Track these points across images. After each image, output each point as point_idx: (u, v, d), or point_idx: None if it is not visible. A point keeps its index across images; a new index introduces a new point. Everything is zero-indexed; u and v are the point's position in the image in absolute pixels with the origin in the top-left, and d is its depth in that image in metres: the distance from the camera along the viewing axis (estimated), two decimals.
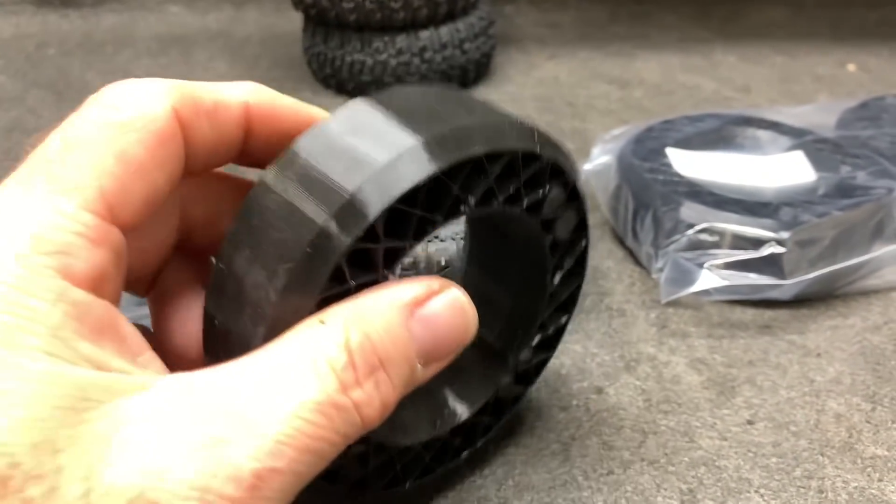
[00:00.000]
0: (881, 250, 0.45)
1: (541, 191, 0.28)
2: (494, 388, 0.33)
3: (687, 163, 0.50)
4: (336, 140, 0.23)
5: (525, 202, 0.27)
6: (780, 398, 0.39)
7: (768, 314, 0.45)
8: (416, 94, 0.26)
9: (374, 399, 0.22)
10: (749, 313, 0.45)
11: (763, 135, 0.53)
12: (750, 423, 0.38)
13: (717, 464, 0.35)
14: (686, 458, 0.36)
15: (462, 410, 0.32)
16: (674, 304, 0.46)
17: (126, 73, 0.24)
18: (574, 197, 0.30)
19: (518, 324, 0.33)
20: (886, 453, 0.36)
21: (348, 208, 0.22)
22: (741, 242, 0.43)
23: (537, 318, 0.32)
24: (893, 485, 0.34)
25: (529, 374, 0.34)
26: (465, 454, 0.33)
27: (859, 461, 0.36)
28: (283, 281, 0.22)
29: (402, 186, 0.22)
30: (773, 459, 0.36)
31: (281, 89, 0.27)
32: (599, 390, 0.40)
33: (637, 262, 0.49)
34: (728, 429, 0.37)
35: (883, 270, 0.47)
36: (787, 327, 0.44)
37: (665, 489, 0.34)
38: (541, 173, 0.27)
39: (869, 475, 0.35)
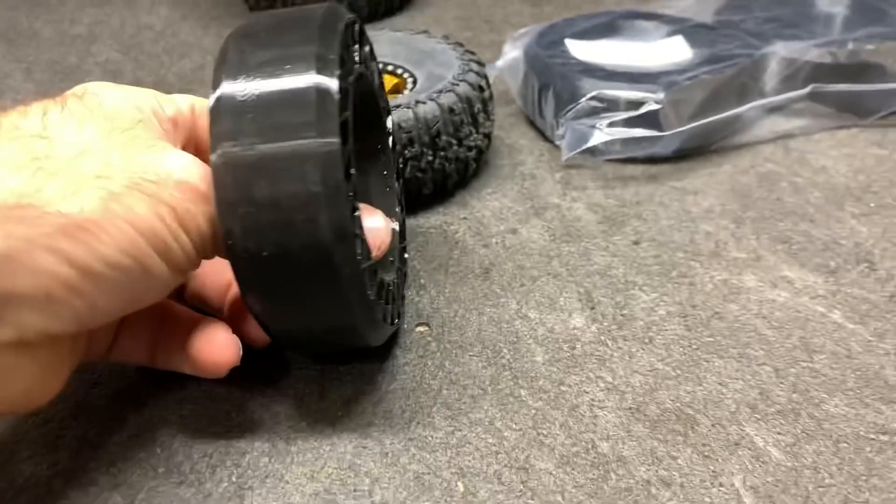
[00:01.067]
0: (746, 106, 0.53)
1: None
2: None
3: (582, 50, 0.57)
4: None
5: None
6: (661, 225, 0.47)
7: (654, 168, 0.53)
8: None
9: None
10: (639, 169, 0.53)
11: (648, 25, 0.61)
12: (636, 243, 0.46)
13: (608, 273, 0.43)
14: (583, 271, 0.44)
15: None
16: (576, 166, 0.53)
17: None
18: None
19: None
20: (745, 256, 0.44)
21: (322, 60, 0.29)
22: (626, 106, 0.51)
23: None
24: (749, 276, 0.43)
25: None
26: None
27: (724, 263, 0.44)
28: None
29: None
30: (655, 267, 0.44)
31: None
32: (514, 231, 0.47)
33: (546, 139, 0.57)
34: (618, 249, 0.45)
35: (752, 127, 0.55)
36: (671, 176, 0.52)
37: (567, 292, 0.42)
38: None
39: (730, 271, 0.43)
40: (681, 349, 0.38)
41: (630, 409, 0.35)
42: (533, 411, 0.35)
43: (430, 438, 0.34)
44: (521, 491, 0.31)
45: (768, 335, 0.38)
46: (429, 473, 0.32)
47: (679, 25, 0.60)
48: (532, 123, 0.59)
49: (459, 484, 0.32)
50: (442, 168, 0.47)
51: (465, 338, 0.39)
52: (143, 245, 0.27)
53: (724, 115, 0.52)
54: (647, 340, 0.38)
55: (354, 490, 0.32)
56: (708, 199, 0.49)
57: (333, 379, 0.37)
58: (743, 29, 0.59)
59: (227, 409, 0.35)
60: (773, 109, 0.56)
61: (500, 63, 0.60)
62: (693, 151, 0.54)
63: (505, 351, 0.38)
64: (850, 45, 0.55)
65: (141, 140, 0.29)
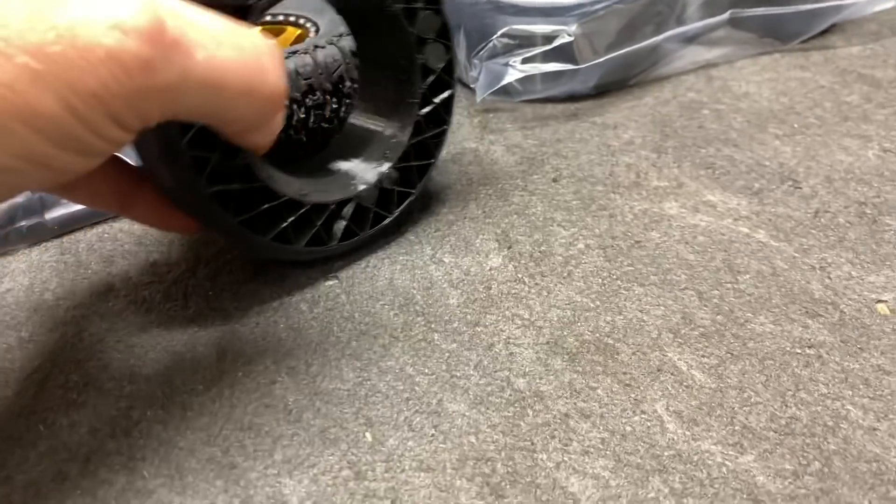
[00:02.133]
0: (663, 35, 0.51)
1: None
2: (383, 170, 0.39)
3: None
4: None
5: None
6: (581, 161, 0.45)
7: (574, 106, 0.51)
8: None
9: None
10: (559, 108, 0.51)
11: None
12: (555, 181, 0.44)
13: (526, 212, 0.41)
14: (500, 212, 0.42)
15: (367, 179, 0.38)
16: (494, 109, 0.51)
17: None
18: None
19: (402, 112, 0.39)
20: (666, 184, 0.43)
21: None
22: (540, 41, 0.49)
23: (413, 112, 0.39)
24: (670, 203, 0.41)
25: (412, 175, 0.40)
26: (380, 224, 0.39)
27: (644, 193, 0.42)
28: None
29: None
30: (574, 203, 0.42)
31: None
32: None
33: (462, 84, 0.55)
34: (536, 188, 0.43)
35: (672, 59, 0.54)
36: (590, 112, 0.50)
37: (483, 234, 0.40)
38: None
39: (651, 200, 0.42)
40: (600, 280, 0.36)
41: (548, 343, 0.33)
42: (446, 354, 0.33)
43: (336, 391, 0.32)
44: (432, 435, 0.29)
45: (690, 259, 0.37)
46: (335, 426, 0.30)
47: None
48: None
49: (367, 434, 0.30)
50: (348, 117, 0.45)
51: (375, 287, 0.37)
52: (39, 147, 0.20)
53: (641, 44, 0.50)
54: (565, 275, 0.37)
55: (254, 451, 0.29)
56: (628, 132, 0.48)
57: (234, 339, 0.34)
58: None
59: (117, 377, 0.33)
60: (694, 39, 0.54)
61: None
62: (613, 86, 0.52)
63: (418, 297, 0.36)
64: None
65: None
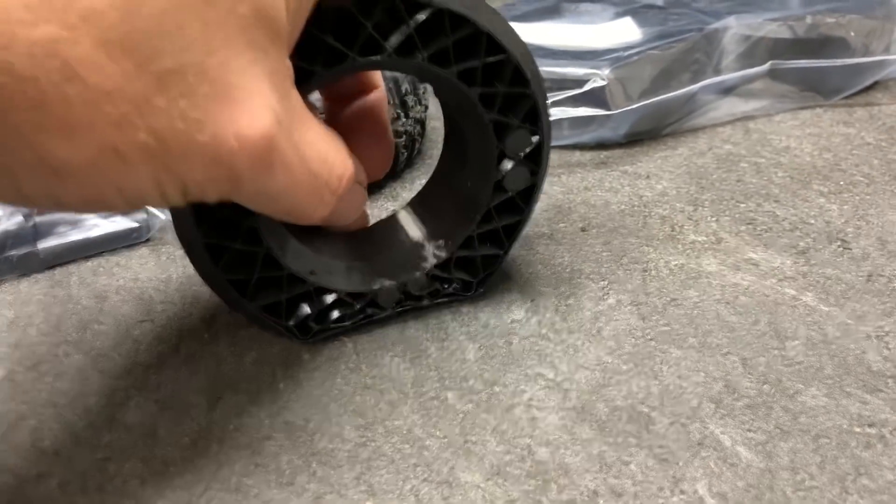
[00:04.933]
0: (700, 84, 0.48)
1: (476, 61, 0.28)
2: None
3: (524, 32, 0.53)
4: None
5: (456, 67, 0.28)
6: (611, 210, 0.42)
7: (604, 154, 0.49)
8: None
9: None
10: (587, 155, 0.49)
11: (594, 7, 0.57)
12: (583, 230, 0.41)
13: (551, 262, 0.38)
14: (523, 261, 0.38)
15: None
16: None
17: None
18: (520, 81, 0.29)
19: (469, 209, 0.34)
20: (704, 239, 0.40)
21: None
22: (570, 84, 0.46)
23: (480, 205, 0.33)
24: (709, 260, 0.38)
25: (475, 265, 0.35)
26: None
27: (680, 247, 0.39)
28: None
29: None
30: (604, 254, 0.39)
31: None
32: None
33: None
34: (563, 237, 0.40)
35: (708, 109, 0.51)
36: (621, 161, 0.48)
37: (505, 284, 0.37)
38: (474, 41, 0.28)
39: (688, 255, 0.38)
40: (633, 340, 0.33)
41: (574, 408, 0.30)
42: (461, 416, 0.29)
43: (336, 452, 0.28)
44: None
45: (732, 321, 0.33)
46: (332, 493, 0.27)
47: (627, 6, 0.55)
48: None
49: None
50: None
51: (386, 336, 0.34)
52: (109, 197, 0.19)
53: (676, 93, 0.47)
54: (594, 332, 0.33)
55: None
56: (662, 183, 0.45)
57: (226, 387, 0.31)
58: (694, 8, 0.55)
59: (96, 425, 0.30)
60: (731, 89, 0.51)
61: None
62: (644, 135, 0.49)
63: (432, 349, 0.33)
64: (809, 20, 0.51)
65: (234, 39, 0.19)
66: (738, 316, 0.34)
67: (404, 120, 0.44)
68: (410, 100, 0.44)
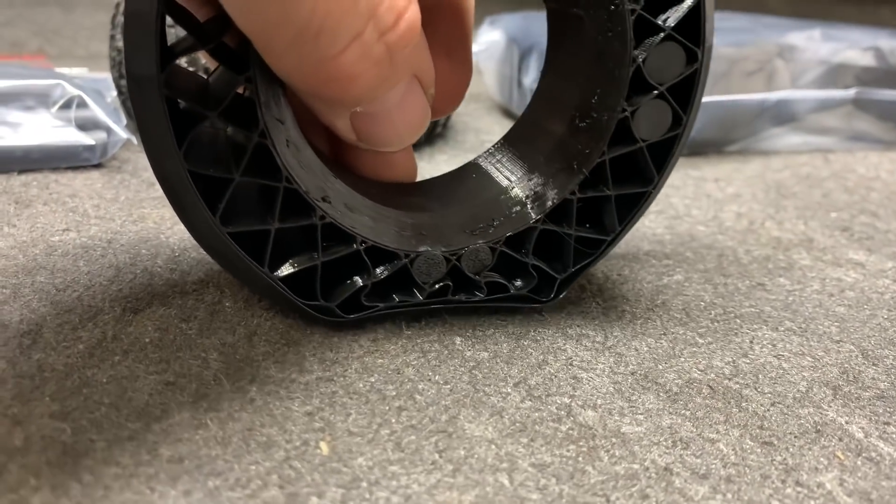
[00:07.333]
0: (775, 95, 0.41)
1: None
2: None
3: None
4: None
5: None
6: (673, 201, 0.35)
7: None
8: None
9: None
10: None
11: None
12: None
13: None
14: None
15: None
16: None
17: None
18: None
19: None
20: (791, 237, 0.32)
21: None
22: None
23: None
24: (800, 254, 0.30)
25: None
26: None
27: (763, 240, 0.31)
28: None
29: None
30: (667, 236, 0.31)
31: None
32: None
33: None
34: None
35: (778, 135, 0.44)
36: (682, 165, 0.40)
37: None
38: None
39: (773, 248, 0.31)
40: (711, 314, 0.25)
41: (633, 374, 0.21)
42: (471, 363, 0.21)
43: (288, 383, 0.19)
44: (433, 463, 0.17)
45: (841, 312, 0.25)
46: (271, 426, 0.18)
47: None
48: (507, 112, 0.48)
49: (322, 445, 0.17)
50: None
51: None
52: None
53: (744, 97, 0.40)
54: (658, 303, 0.25)
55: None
56: (733, 186, 0.37)
57: (153, 299, 0.23)
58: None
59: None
60: (805, 114, 0.44)
61: (475, 49, 0.50)
62: (708, 146, 0.42)
63: None
64: None
65: None
66: (848, 308, 0.26)
67: None
68: None
